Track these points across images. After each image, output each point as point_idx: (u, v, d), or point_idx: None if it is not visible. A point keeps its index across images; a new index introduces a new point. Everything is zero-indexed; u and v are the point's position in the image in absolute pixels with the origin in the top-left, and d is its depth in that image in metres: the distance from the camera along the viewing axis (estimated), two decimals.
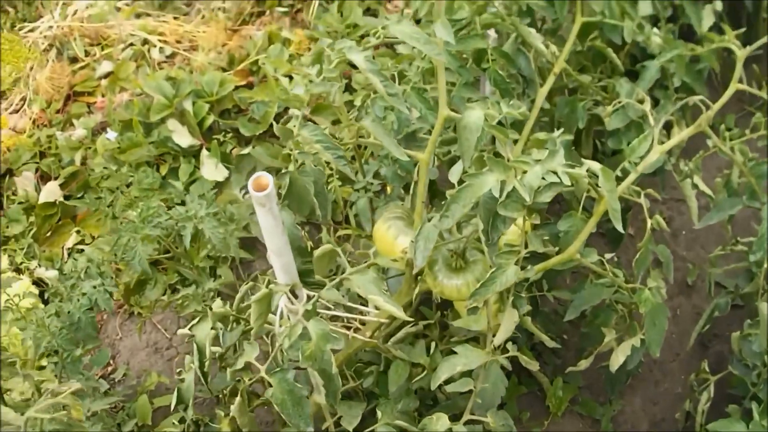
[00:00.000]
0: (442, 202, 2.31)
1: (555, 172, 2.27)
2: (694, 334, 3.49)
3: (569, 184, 2.27)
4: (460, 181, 2.30)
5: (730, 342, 3.13)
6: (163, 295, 3.77)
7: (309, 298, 2.44)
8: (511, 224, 2.32)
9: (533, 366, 2.64)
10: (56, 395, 1.81)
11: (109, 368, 3.78)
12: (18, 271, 4.06)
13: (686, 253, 3.96)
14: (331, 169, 3.35)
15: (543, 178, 2.26)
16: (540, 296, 3.14)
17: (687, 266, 3.90)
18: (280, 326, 2.54)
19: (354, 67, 2.55)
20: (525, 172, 2.26)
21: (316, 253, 2.47)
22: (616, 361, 2.85)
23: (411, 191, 2.79)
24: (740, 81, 2.75)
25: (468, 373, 2.57)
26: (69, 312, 2.88)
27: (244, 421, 2.55)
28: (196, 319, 2.61)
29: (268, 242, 2.34)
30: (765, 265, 2.95)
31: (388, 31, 2.36)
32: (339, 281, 2.38)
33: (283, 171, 2.52)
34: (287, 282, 2.45)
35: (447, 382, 2.90)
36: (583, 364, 3.01)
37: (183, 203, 3.25)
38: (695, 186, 2.97)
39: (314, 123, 3.98)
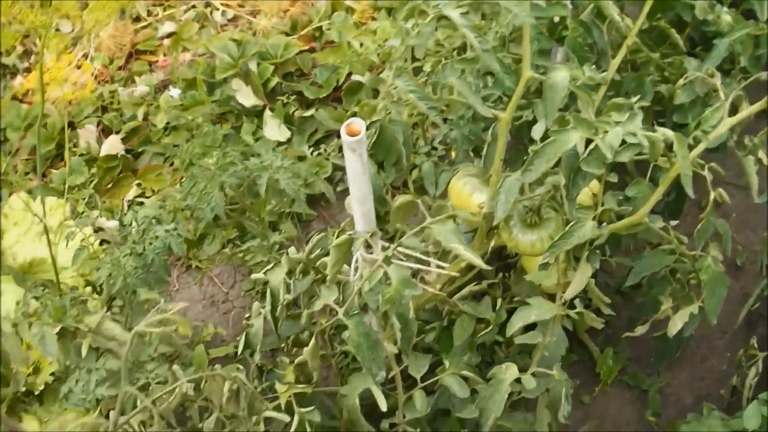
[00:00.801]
0: (523, 159, 2.39)
1: (634, 134, 2.34)
2: (743, 313, 3.54)
3: (646, 145, 2.34)
4: (543, 139, 2.38)
5: None
6: (222, 249, 3.85)
7: (384, 248, 2.50)
8: (590, 181, 2.39)
9: (597, 324, 2.71)
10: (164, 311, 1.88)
11: None
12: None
13: (736, 235, 4.00)
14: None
15: (623, 140, 2.33)
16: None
17: (737, 248, 3.95)
18: (355, 274, 2.62)
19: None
20: (606, 132, 2.33)
21: (396, 202, 2.54)
22: (674, 326, 2.90)
23: (484, 152, 2.85)
24: None
25: (532, 329, 2.65)
26: (142, 254, 2.95)
27: (315, 364, 2.63)
28: (271, 265, 2.67)
29: (353, 188, 2.41)
30: None
31: None
32: (419, 230, 2.45)
33: (373, 119, 2.59)
34: (366, 230, 2.52)
35: (509, 343, 3.01)
36: (639, 330, 3.07)
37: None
38: (758, 161, 3.02)
39: (378, 91, 4.10)
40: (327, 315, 2.60)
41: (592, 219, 2.45)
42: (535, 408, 2.85)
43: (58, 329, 2.09)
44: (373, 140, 2.60)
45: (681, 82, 3.04)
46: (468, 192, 2.72)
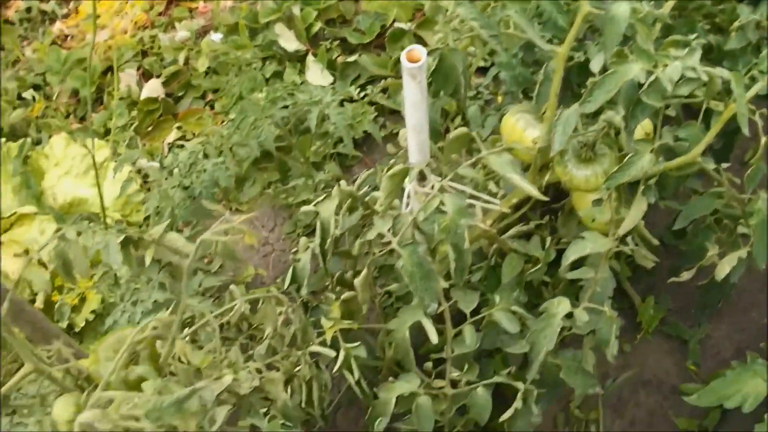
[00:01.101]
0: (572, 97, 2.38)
1: (693, 68, 2.33)
2: None
3: (705, 80, 2.33)
4: (602, 71, 2.37)
5: None
6: (262, 192, 3.85)
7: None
8: (649, 113, 2.38)
9: (648, 263, 2.70)
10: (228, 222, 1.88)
11: (205, 260, 3.87)
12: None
13: None
14: None
15: (682, 74, 2.32)
16: None
17: None
18: (406, 208, 2.63)
19: None
20: (666, 65, 2.32)
21: (452, 134, 2.53)
22: (722, 270, 2.88)
23: (536, 90, 2.84)
24: None
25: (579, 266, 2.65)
26: (188, 187, 2.96)
27: (365, 296, 2.63)
28: (322, 197, 2.66)
29: (410, 117, 2.41)
30: None
31: None
32: (475, 160, 2.44)
33: (433, 48, 2.58)
34: (420, 161, 2.52)
35: (554, 285, 3.00)
36: (685, 276, 3.05)
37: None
38: None
39: (422, 38, 4.10)
40: (379, 246, 2.60)
41: (649, 152, 2.44)
42: (580, 349, 2.85)
43: (121, 238, 2.09)
44: (432, 69, 2.60)
45: (735, 24, 3.02)
46: (521, 127, 2.71)
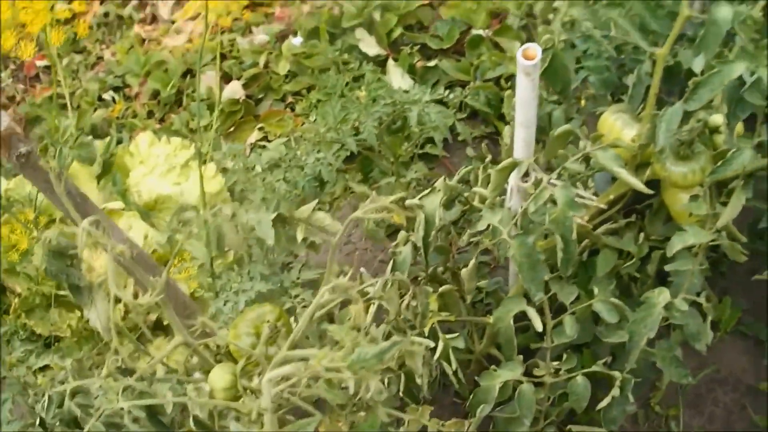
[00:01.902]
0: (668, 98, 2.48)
1: None
2: None
3: None
4: (703, 71, 2.48)
5: None
6: (345, 191, 3.96)
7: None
8: (749, 111, 2.48)
9: (740, 257, 2.79)
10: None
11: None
12: (204, 161, 4.28)
13: None
14: None
15: None
16: None
17: None
18: (509, 200, 2.74)
19: None
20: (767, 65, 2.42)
21: (556, 131, 2.63)
22: None
23: (630, 92, 2.94)
24: None
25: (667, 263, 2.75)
26: (292, 181, 3.07)
27: (471, 286, 2.74)
28: (427, 191, 2.77)
29: (520, 113, 2.52)
30: None
31: None
32: (582, 156, 2.55)
33: (546, 47, 2.69)
34: (525, 156, 2.63)
35: (643, 281, 3.09)
36: (767, 275, 3.13)
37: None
38: None
39: (498, 44, 4.21)
40: (489, 236, 2.70)
41: (750, 148, 2.54)
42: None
43: (274, 215, 2.21)
44: (544, 66, 2.71)
45: None
46: (619, 127, 2.81)
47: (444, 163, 4.10)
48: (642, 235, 3.09)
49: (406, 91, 4.19)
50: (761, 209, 3.06)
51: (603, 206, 2.83)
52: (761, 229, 3.14)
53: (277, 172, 3.08)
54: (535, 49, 2.37)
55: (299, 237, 2.24)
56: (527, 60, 2.37)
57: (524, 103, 2.48)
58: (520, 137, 2.59)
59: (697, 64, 2.64)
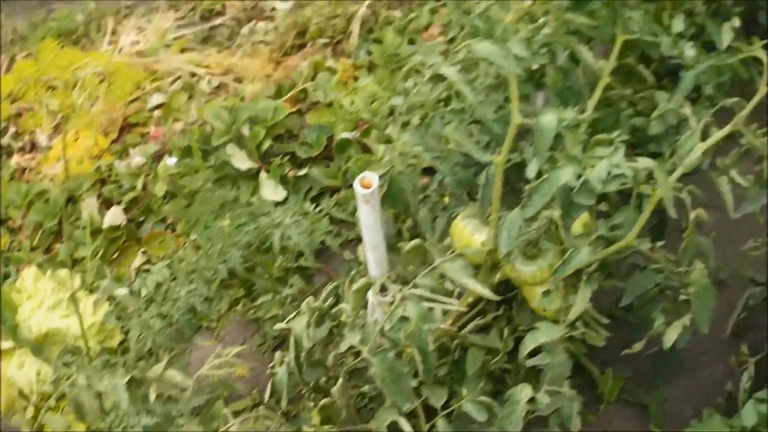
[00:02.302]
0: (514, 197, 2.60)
1: (618, 166, 2.57)
2: (730, 323, 3.75)
3: (630, 175, 2.57)
4: (538, 176, 2.61)
5: (764, 331, 3.38)
6: (230, 309, 4.03)
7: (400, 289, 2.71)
8: (583, 211, 2.62)
9: (599, 342, 2.91)
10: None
11: None
12: (90, 290, 4.33)
13: (717, 252, 4.18)
14: None
15: (609, 172, 2.56)
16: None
17: (718, 263, 4.17)
18: (371, 317, 2.84)
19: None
20: (593, 166, 2.56)
21: (407, 246, 2.75)
22: (669, 339, 3.09)
23: (480, 194, 3.06)
24: None
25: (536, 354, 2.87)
26: (167, 315, 3.14)
27: (343, 402, 2.83)
28: (293, 314, 2.87)
29: (367, 236, 2.63)
30: None
31: (470, 48, 2.64)
32: (431, 269, 2.66)
33: (382, 172, 2.81)
34: (379, 275, 2.73)
35: (516, 371, 3.21)
36: (636, 347, 3.24)
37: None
38: (731, 181, 3.24)
39: (366, 146, 4.32)
40: (351, 356, 2.80)
41: (587, 245, 2.67)
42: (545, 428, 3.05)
43: (127, 378, 2.28)
44: (383, 191, 2.82)
45: (654, 114, 3.27)
46: (469, 232, 2.93)
47: (325, 271, 4.18)
48: (509, 327, 3.20)
49: (281, 203, 4.32)
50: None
51: (463, 309, 2.94)
52: (629, 303, 3.27)
53: (152, 307, 3.15)
54: (371, 177, 2.48)
55: (152, 396, 2.32)
56: (365, 189, 2.48)
57: (369, 227, 2.59)
58: (371, 258, 2.70)
59: (531, 170, 2.77)
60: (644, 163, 2.67)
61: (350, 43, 5.18)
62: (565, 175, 2.54)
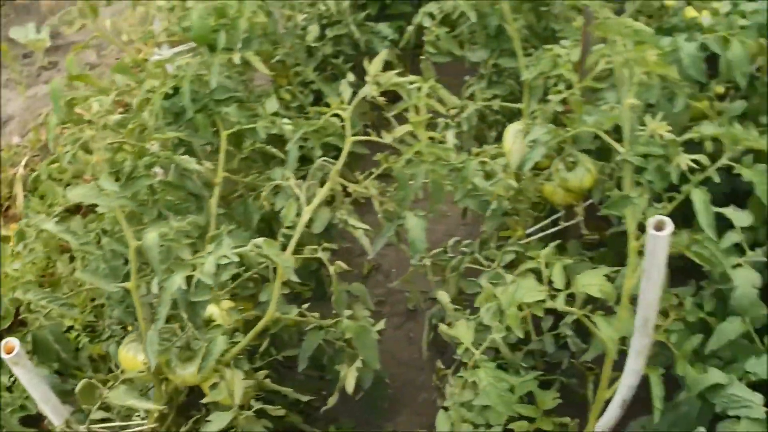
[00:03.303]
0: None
1: (226, 256, 2.88)
2: (424, 345, 4.06)
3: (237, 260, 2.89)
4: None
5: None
6: None
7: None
8: (207, 305, 2.92)
9: (279, 412, 3.21)
10: None
11: None
12: None
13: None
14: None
15: (218, 264, 2.87)
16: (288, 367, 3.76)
17: (405, 296, 4.52)
18: None
19: None
20: (203, 264, 2.86)
21: (78, 388, 2.99)
22: (349, 384, 3.39)
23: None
24: None
25: None
26: None
27: None
28: None
29: (33, 393, 2.87)
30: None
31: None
32: (101, 403, 2.92)
33: (24, 332, 3.05)
34: (61, 421, 2.98)
35: None
36: (331, 401, 3.53)
37: None
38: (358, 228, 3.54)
39: None
40: None
41: (221, 335, 2.98)
42: None
43: None
44: (31, 349, 3.06)
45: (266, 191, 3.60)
46: (132, 355, 3.21)
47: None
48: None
49: None
50: None
51: (153, 425, 3.20)
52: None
53: None
54: (13, 341, 2.71)
55: None
56: (7, 354, 2.72)
57: (31, 385, 2.83)
58: (47, 410, 2.94)
59: (154, 286, 3.01)
60: (255, 242, 2.96)
61: (18, 205, 5.28)
62: (177, 281, 2.82)
